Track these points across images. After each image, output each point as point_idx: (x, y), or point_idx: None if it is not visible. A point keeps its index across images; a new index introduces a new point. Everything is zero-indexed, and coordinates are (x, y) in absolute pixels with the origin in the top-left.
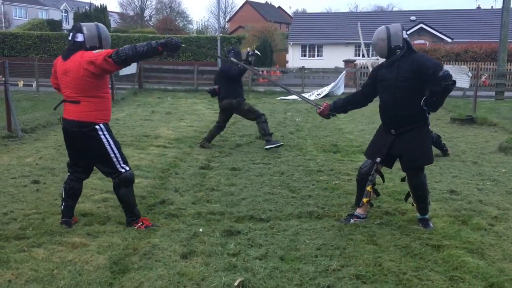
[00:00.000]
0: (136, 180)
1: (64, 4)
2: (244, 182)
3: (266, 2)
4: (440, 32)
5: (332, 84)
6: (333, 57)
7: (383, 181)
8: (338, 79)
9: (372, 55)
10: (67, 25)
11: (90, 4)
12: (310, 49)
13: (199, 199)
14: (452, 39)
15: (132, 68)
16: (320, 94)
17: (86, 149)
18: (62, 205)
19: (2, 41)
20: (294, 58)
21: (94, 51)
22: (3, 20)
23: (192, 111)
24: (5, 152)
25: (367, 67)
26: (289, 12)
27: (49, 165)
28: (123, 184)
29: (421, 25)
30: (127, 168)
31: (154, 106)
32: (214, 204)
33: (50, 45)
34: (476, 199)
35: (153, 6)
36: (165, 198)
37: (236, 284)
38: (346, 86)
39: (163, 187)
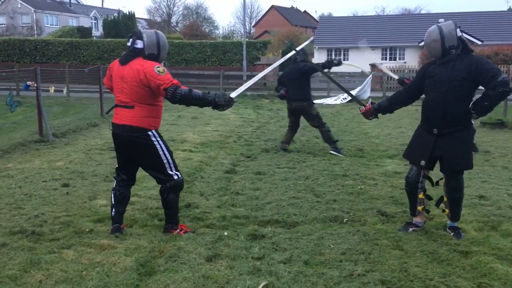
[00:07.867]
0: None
1: (93, 12)
2: (269, 186)
3: (292, 6)
4: (470, 35)
5: (358, 88)
6: (359, 61)
7: (432, 184)
8: (364, 82)
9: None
10: (96, 32)
11: (119, 11)
12: (336, 53)
13: (224, 203)
14: (482, 41)
15: None
16: (346, 98)
17: (137, 155)
18: (112, 211)
19: (34, 48)
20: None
21: (155, 69)
22: (35, 28)
23: (218, 115)
24: (37, 156)
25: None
26: (315, 16)
27: (79, 168)
28: (173, 190)
29: None
30: (180, 175)
31: (180, 110)
32: (239, 208)
33: (80, 52)
34: (506, 204)
35: (180, 12)
36: (191, 202)
37: (260, 287)
38: (372, 90)
39: (189, 191)
